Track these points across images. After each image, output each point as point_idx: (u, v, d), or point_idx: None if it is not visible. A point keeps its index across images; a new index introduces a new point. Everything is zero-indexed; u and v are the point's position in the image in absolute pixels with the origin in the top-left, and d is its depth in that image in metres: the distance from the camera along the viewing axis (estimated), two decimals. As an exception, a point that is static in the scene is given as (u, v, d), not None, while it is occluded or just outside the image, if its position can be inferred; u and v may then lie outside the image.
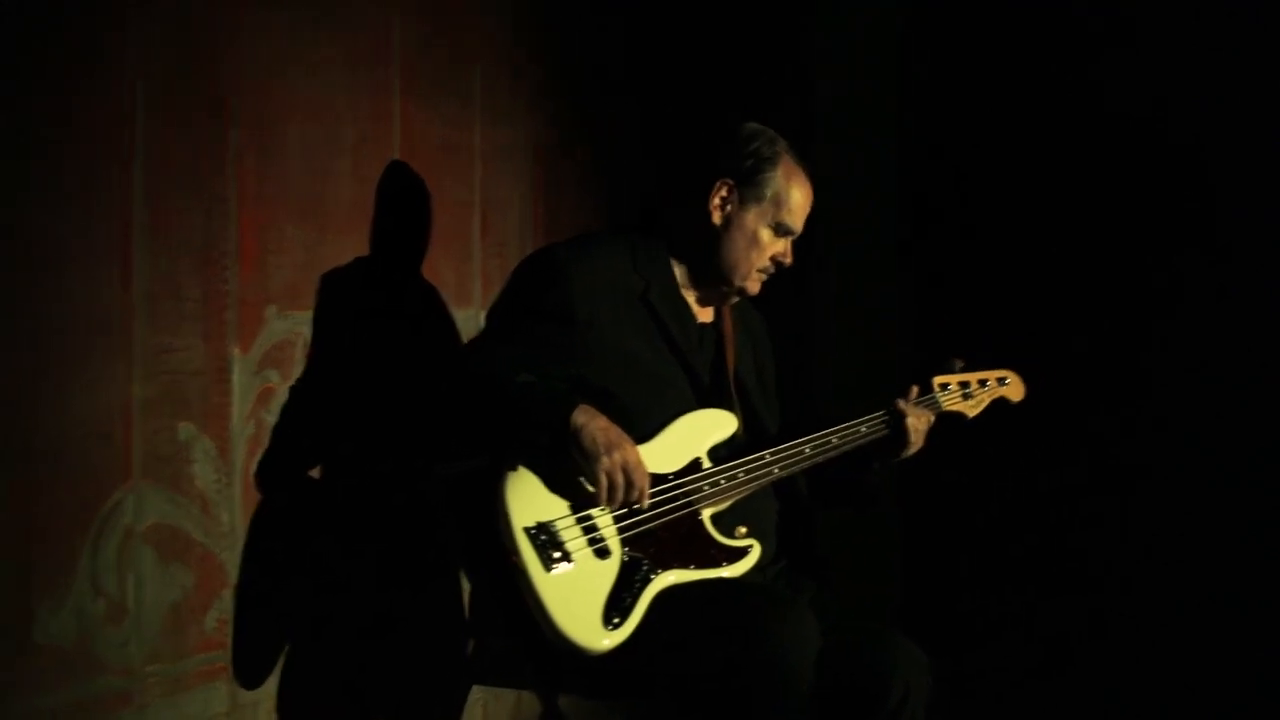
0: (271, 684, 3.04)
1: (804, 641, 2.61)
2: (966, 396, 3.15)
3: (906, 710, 2.73)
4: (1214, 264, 4.13)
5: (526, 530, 2.63)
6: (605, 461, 2.62)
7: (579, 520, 2.68)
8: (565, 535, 2.65)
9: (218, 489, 2.91)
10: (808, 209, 2.90)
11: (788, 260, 2.92)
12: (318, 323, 3.14)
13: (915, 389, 3.06)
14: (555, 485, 2.69)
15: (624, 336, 2.84)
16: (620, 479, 2.64)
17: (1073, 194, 4.42)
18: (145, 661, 2.77)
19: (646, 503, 2.69)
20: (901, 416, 2.99)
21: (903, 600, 4.58)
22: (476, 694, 3.44)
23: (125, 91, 2.75)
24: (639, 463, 2.67)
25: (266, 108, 3.05)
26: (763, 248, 2.88)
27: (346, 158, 3.25)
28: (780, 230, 2.89)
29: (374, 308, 3.27)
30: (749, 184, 2.86)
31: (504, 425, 2.68)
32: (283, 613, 3.06)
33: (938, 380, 3.12)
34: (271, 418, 3.04)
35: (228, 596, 2.94)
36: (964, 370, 3.17)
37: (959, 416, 3.14)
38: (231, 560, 2.94)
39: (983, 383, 3.19)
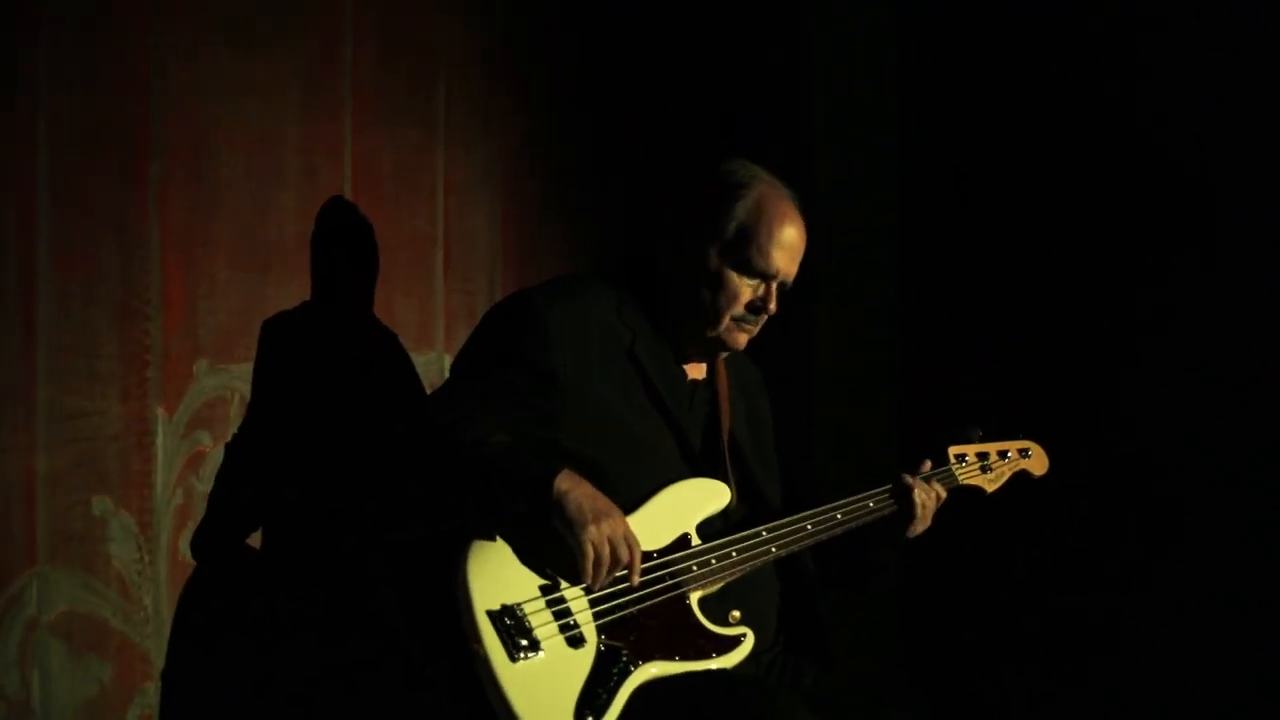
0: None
1: None
2: (985, 470, 2.86)
3: None
4: (1215, 274, 3.88)
5: (490, 614, 2.31)
6: (592, 531, 2.29)
7: (550, 603, 2.37)
8: (534, 620, 2.34)
9: (139, 569, 2.59)
10: (790, 248, 2.56)
11: (769, 308, 2.58)
12: (257, 375, 2.82)
13: (928, 463, 2.75)
14: (525, 561, 2.37)
15: (607, 395, 2.52)
16: (607, 552, 2.31)
17: (1078, 205, 4.15)
18: (56, 774, 2.45)
19: (637, 579, 2.37)
20: (909, 490, 2.69)
21: (908, 672, 4.28)
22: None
23: (27, 114, 2.43)
24: (629, 535, 2.34)
25: (194, 134, 2.74)
26: (731, 293, 2.55)
27: (290, 190, 2.94)
28: (749, 271, 2.55)
29: (323, 357, 2.95)
30: (711, 219, 2.55)
31: (474, 490, 2.34)
32: (215, 706, 2.72)
33: (953, 451, 2.82)
34: (203, 485, 2.73)
35: (151, 690, 2.62)
36: (982, 440, 2.87)
37: (977, 491, 2.85)
38: (156, 648, 2.63)
39: (1003, 454, 2.90)
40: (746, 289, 2.57)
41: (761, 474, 2.74)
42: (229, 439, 2.79)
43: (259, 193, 2.88)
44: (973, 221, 4.33)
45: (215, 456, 2.76)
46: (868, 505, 2.68)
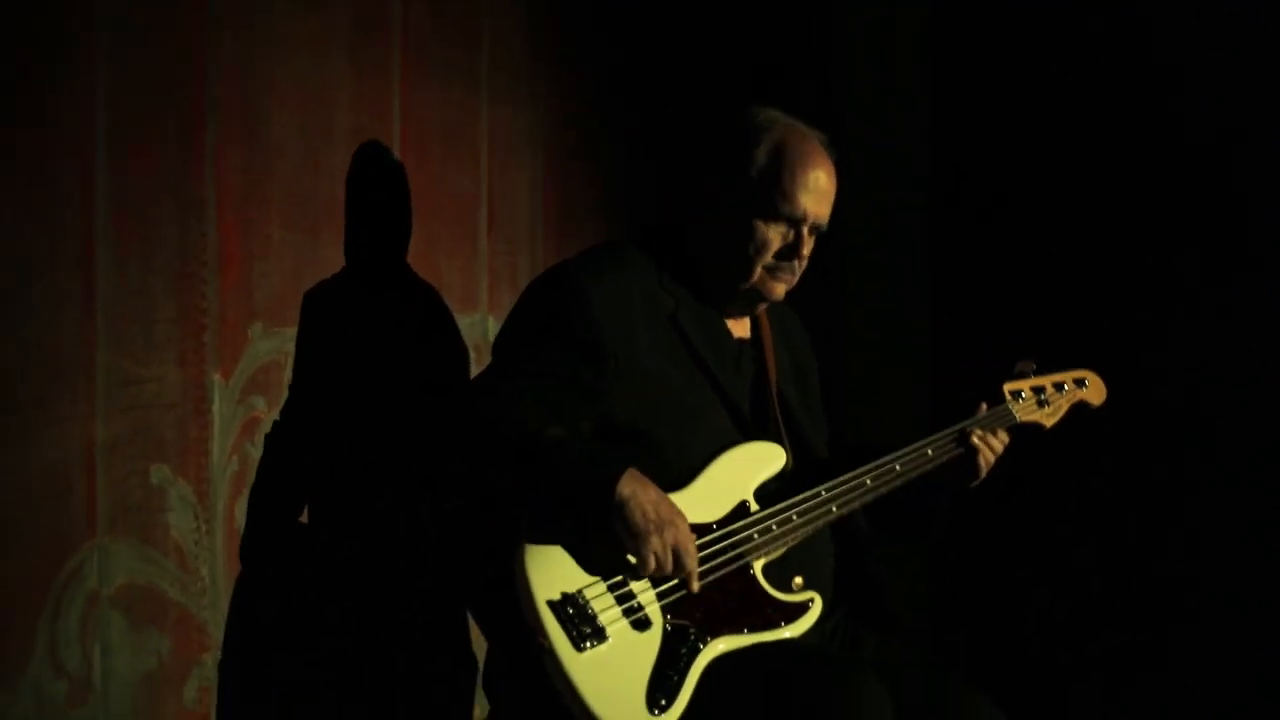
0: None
1: (867, 712, 2.27)
2: (1042, 404, 2.74)
3: None
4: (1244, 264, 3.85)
5: (551, 604, 2.24)
6: (655, 542, 2.25)
7: (611, 587, 2.30)
8: (597, 606, 2.27)
9: (196, 539, 2.52)
10: (818, 190, 2.45)
11: (802, 255, 2.48)
12: (307, 340, 2.75)
13: (984, 405, 2.67)
14: (583, 547, 2.30)
15: (655, 365, 2.44)
16: (670, 562, 2.28)
17: (1109, 191, 4.11)
18: (116, 747, 2.39)
19: (696, 587, 2.33)
20: (968, 435, 2.61)
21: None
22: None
23: (87, 77, 2.34)
24: (690, 542, 2.30)
25: (249, 94, 2.65)
26: (760, 241, 2.46)
27: (340, 149, 2.85)
28: (775, 216, 2.45)
29: (372, 319, 2.88)
30: (736, 171, 2.46)
31: (533, 491, 2.29)
32: (273, 677, 2.68)
33: (1008, 388, 2.71)
34: (258, 451, 2.66)
35: (209, 662, 2.56)
36: (1037, 374, 2.76)
37: (1036, 427, 2.74)
38: (213, 620, 2.57)
39: (1059, 386, 2.78)
40: (775, 236, 2.47)
41: (810, 429, 2.68)
42: (281, 406, 2.72)
43: (310, 152, 2.80)
44: (1003, 176, 4.27)
45: (269, 422, 2.69)
46: (926, 453, 2.59)
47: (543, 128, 3.43)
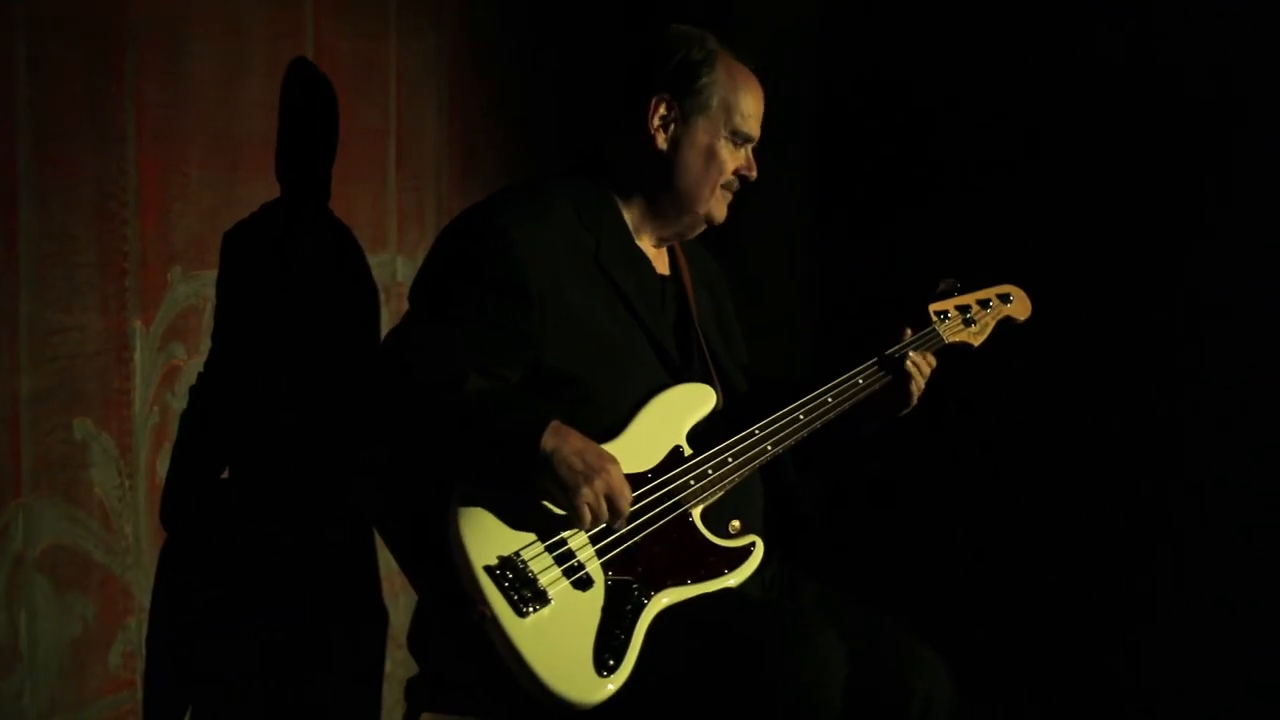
0: (188, 723, 2.54)
1: (829, 670, 2.26)
2: (968, 323, 2.72)
3: None
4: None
5: (489, 570, 2.19)
6: (586, 493, 2.22)
7: (550, 548, 2.26)
8: (536, 569, 2.22)
9: (119, 496, 2.39)
10: (761, 110, 2.52)
11: (752, 173, 2.53)
12: (225, 284, 2.62)
13: (908, 330, 2.64)
14: (516, 507, 2.26)
15: (580, 306, 2.40)
16: (604, 510, 2.25)
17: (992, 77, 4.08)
18: (43, 716, 2.27)
19: (636, 536, 2.31)
20: (899, 360, 2.60)
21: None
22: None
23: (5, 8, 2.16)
24: (622, 485, 2.26)
25: (166, 19, 2.48)
26: (721, 163, 2.49)
27: (257, 81, 2.70)
28: (738, 139, 2.50)
29: (291, 262, 2.76)
30: (689, 95, 2.47)
31: (455, 448, 2.25)
32: (199, 639, 2.56)
33: (933, 308, 2.69)
34: (178, 401, 2.53)
35: (133, 626, 2.43)
36: (960, 292, 2.75)
37: (964, 347, 2.73)
38: (137, 581, 2.44)
39: (984, 303, 2.76)
40: (731, 158, 2.51)
41: (731, 366, 2.66)
42: (200, 353, 2.58)
43: (227, 85, 2.64)
44: (891, 104, 4.23)
45: (189, 371, 2.56)
46: (857, 383, 2.57)
47: (448, 58, 3.30)
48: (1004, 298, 2.80)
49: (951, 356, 2.71)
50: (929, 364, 2.64)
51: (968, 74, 4.08)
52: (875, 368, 2.60)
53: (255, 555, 2.72)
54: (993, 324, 2.77)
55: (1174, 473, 3.82)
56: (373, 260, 3.04)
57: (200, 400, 2.58)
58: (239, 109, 2.66)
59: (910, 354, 2.61)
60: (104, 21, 2.34)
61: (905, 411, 2.65)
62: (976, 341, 2.74)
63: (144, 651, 2.45)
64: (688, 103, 2.48)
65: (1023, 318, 2.82)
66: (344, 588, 2.93)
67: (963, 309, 2.74)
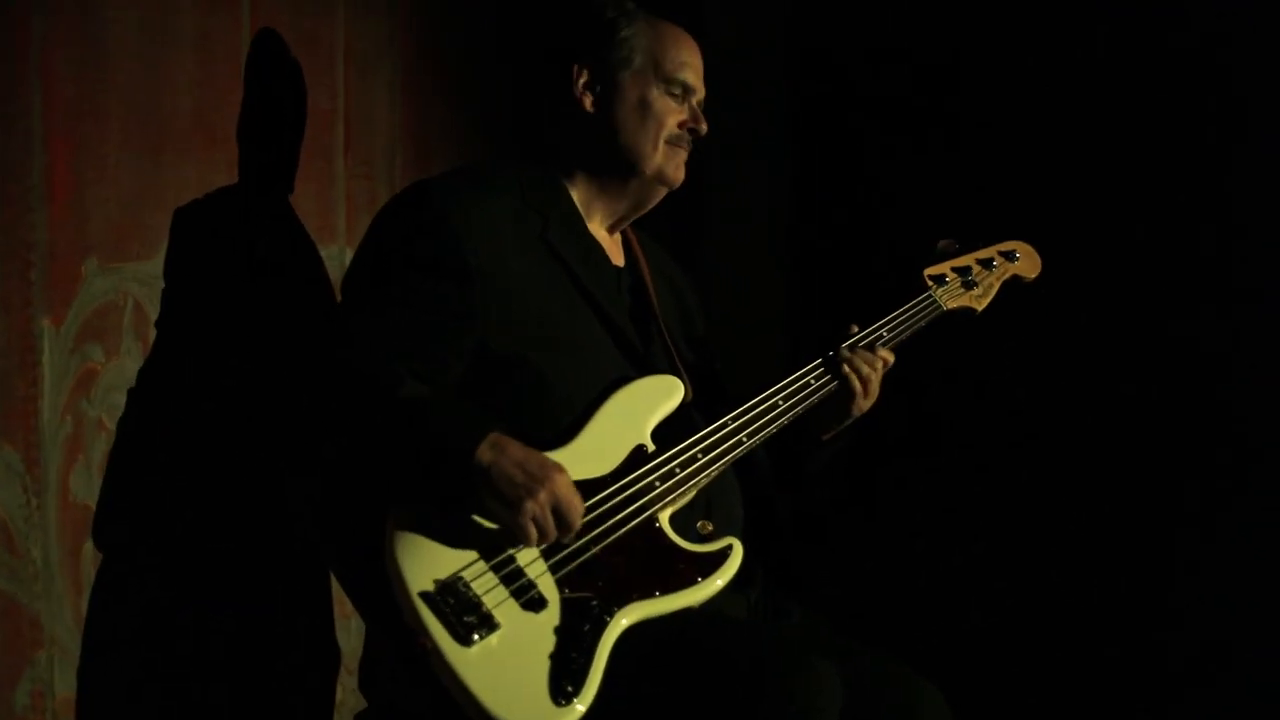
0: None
1: (828, 702, 2.08)
2: (969, 285, 2.53)
3: None
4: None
5: (426, 596, 2.00)
6: (529, 507, 2.03)
7: (495, 566, 2.06)
8: (479, 589, 2.03)
9: (25, 515, 2.15)
10: (697, 62, 2.40)
11: (700, 125, 2.39)
12: (153, 278, 2.39)
13: (854, 327, 2.45)
14: (457, 522, 2.06)
15: (527, 287, 2.24)
16: (551, 524, 2.06)
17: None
18: (-65, 768, 2.01)
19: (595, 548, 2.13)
20: (838, 363, 2.39)
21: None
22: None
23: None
24: (570, 495, 2.07)
25: (84, -11, 2.23)
26: (658, 115, 2.36)
27: (185, 56, 2.46)
28: (673, 89, 2.37)
29: (231, 255, 2.54)
30: (609, 50, 2.37)
31: (387, 464, 2.08)
32: (125, 671, 2.32)
33: (929, 273, 2.51)
34: (94, 410, 2.29)
35: (43, 660, 2.18)
36: (960, 252, 2.56)
37: (967, 313, 2.54)
38: (47, 610, 2.19)
39: (986, 263, 2.56)
40: (673, 110, 2.38)
41: (699, 362, 2.50)
42: (121, 355, 2.35)
43: (151, 59, 2.41)
44: (867, 107, 4.12)
45: (108, 375, 2.32)
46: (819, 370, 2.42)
47: (402, 39, 3.08)
48: (1008, 255, 2.61)
49: (958, 324, 2.52)
50: (884, 364, 2.43)
51: (960, 62, 3.99)
52: (864, 343, 2.43)
53: (192, 578, 2.49)
54: (997, 285, 2.59)
55: (1187, 485, 3.69)
56: (323, 252, 2.82)
57: (135, 407, 2.35)
58: (165, 84, 2.44)
59: (851, 357, 2.40)
60: (5, -19, 2.09)
61: (857, 414, 2.44)
62: (980, 306, 2.56)
63: (58, 689, 2.20)
64: (610, 59, 2.37)
65: (1032, 275, 2.63)
66: (290, 611, 2.69)
67: (962, 270, 2.55)
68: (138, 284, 2.37)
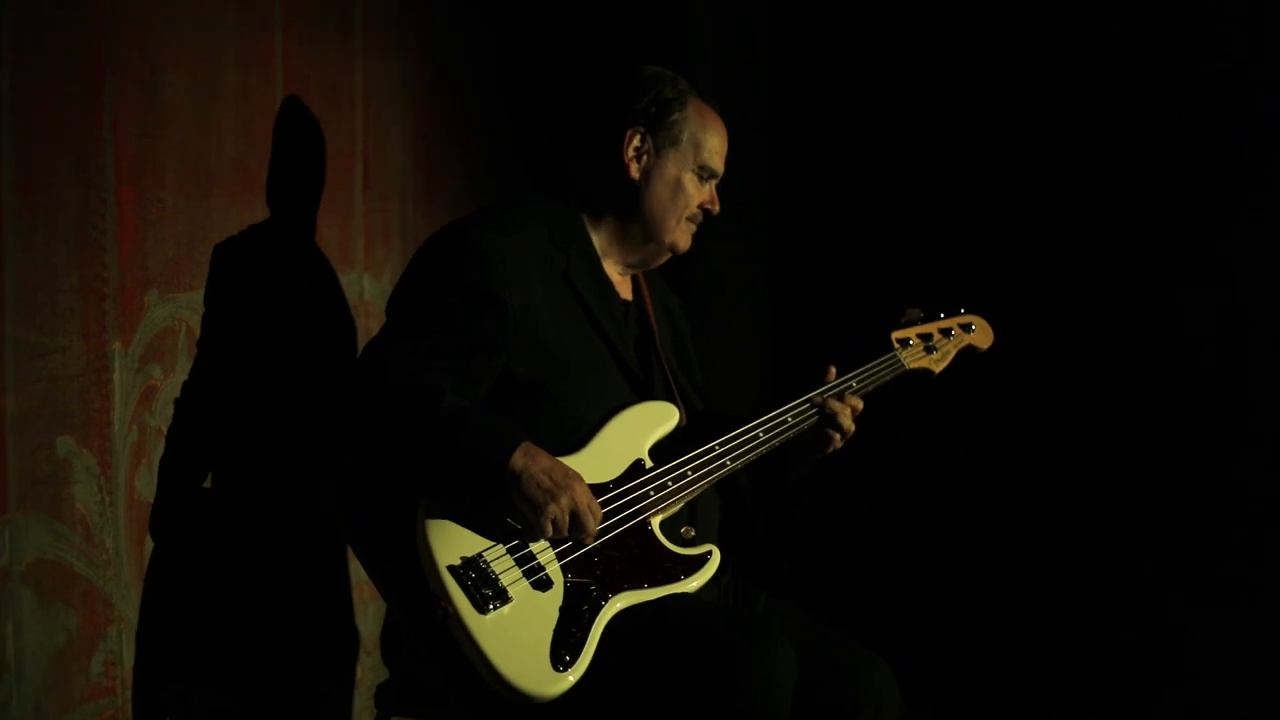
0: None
1: (781, 675, 2.38)
2: (930, 350, 2.85)
3: None
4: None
5: (452, 569, 2.32)
6: (552, 509, 2.35)
7: (511, 550, 2.38)
8: (497, 569, 2.35)
9: (100, 511, 2.48)
10: (726, 149, 2.68)
11: (714, 207, 2.69)
12: (204, 305, 2.73)
13: (832, 370, 2.75)
14: (482, 513, 2.38)
15: (549, 320, 2.53)
16: (568, 526, 2.38)
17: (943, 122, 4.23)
18: (27, 723, 2.35)
19: (592, 535, 2.42)
20: (816, 405, 2.70)
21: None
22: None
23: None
24: (589, 503, 2.39)
25: (144, 50, 2.58)
26: (688, 196, 2.65)
27: (229, 109, 2.80)
28: (704, 174, 2.66)
29: (265, 283, 2.87)
30: (662, 129, 2.63)
31: (431, 462, 2.37)
32: (179, 645, 2.67)
33: (896, 336, 2.82)
34: (155, 420, 2.62)
35: (114, 635, 2.53)
36: (923, 320, 2.88)
37: (924, 374, 2.85)
38: (117, 592, 2.53)
39: (946, 332, 2.88)
40: (699, 192, 2.66)
41: (693, 392, 2.80)
42: (177, 372, 2.68)
43: (200, 113, 2.74)
44: (844, 143, 4.37)
45: (166, 390, 2.65)
46: (816, 402, 2.70)
47: (414, 82, 3.41)
48: (966, 327, 2.92)
49: (916, 382, 2.85)
50: (852, 411, 2.72)
51: (946, 87, 4.21)
52: (829, 393, 2.72)
53: (234, 566, 2.82)
54: (954, 352, 2.89)
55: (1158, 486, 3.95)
56: (341, 279, 3.14)
57: (183, 416, 2.67)
58: (212, 137, 2.76)
59: (866, 382, 2.74)
60: (83, 54, 2.44)
61: (830, 450, 2.74)
62: (938, 369, 2.87)
63: (125, 660, 2.54)
64: (660, 136, 2.64)
65: (984, 346, 2.94)
66: (316, 596, 3.03)
67: (925, 336, 2.87)
68: (189, 311, 2.71)
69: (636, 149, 2.63)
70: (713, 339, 4.26)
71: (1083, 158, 4.00)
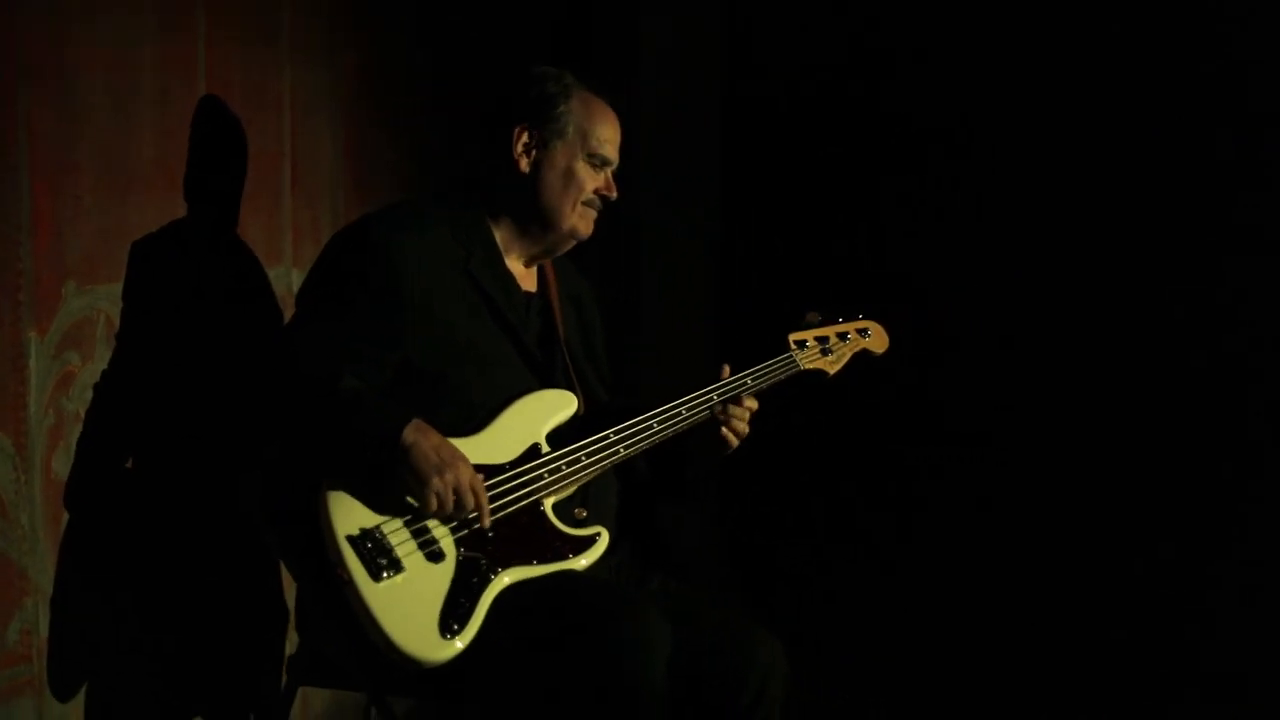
0: (83, 694, 2.81)
1: (654, 643, 2.49)
2: (826, 352, 2.96)
3: (762, 707, 2.65)
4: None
5: (350, 539, 2.45)
6: (436, 483, 2.47)
7: (408, 523, 2.51)
8: (393, 540, 2.48)
9: (16, 489, 2.64)
10: (617, 137, 2.78)
11: (612, 193, 2.78)
12: (124, 297, 2.88)
13: (726, 369, 2.86)
14: (382, 488, 2.51)
15: (450, 313, 2.66)
16: (451, 501, 2.49)
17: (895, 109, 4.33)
18: (-57, 686, 2.51)
19: (488, 522, 2.54)
20: (707, 401, 2.81)
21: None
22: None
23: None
24: (472, 481, 2.51)
25: (62, 58, 2.73)
26: (580, 183, 2.75)
27: (148, 110, 2.95)
28: (594, 161, 2.75)
29: (184, 275, 3.01)
30: (546, 121, 2.73)
31: (329, 439, 2.50)
32: (93, 616, 2.82)
33: (793, 338, 2.93)
34: (71, 405, 2.77)
35: (30, 605, 2.68)
36: (821, 324, 2.99)
37: (819, 375, 2.96)
38: (33, 565, 2.68)
39: (843, 336, 2.99)
40: (591, 178, 2.76)
41: (594, 378, 2.92)
42: (95, 360, 2.83)
43: (118, 115, 2.88)
44: (796, 139, 4.47)
45: (84, 376, 2.80)
46: (711, 398, 2.79)
47: (343, 85, 3.55)
48: (862, 332, 3.04)
49: (810, 383, 2.96)
50: (748, 412, 2.84)
51: (903, 75, 4.29)
52: (727, 388, 2.83)
53: (153, 543, 2.97)
54: (849, 355, 3.00)
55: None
56: (270, 272, 3.29)
57: (102, 401, 2.82)
58: (131, 138, 2.91)
59: (760, 379, 2.84)
60: (2, 55, 2.58)
61: (727, 450, 2.85)
62: (832, 370, 2.97)
63: (42, 629, 2.70)
64: (547, 129, 2.76)
65: (879, 351, 3.06)
66: (242, 574, 3.17)
67: (821, 340, 2.98)
68: (108, 302, 2.86)
69: (525, 144, 2.76)
70: (664, 330, 4.43)
71: (1073, 155, 4.08)
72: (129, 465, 2.91)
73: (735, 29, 4.61)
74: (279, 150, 3.34)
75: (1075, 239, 4.07)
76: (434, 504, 2.48)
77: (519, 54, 4.13)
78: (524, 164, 2.76)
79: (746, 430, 2.83)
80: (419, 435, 2.47)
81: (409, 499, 2.52)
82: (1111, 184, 4.01)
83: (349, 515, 2.47)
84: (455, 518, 2.52)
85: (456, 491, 2.49)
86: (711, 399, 2.81)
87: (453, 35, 3.98)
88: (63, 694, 2.74)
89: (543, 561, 2.60)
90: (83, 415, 2.80)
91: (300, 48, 3.40)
